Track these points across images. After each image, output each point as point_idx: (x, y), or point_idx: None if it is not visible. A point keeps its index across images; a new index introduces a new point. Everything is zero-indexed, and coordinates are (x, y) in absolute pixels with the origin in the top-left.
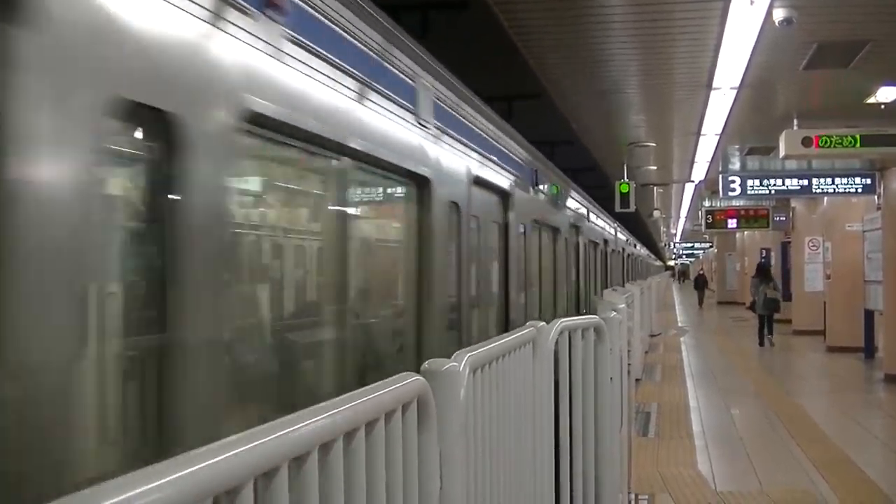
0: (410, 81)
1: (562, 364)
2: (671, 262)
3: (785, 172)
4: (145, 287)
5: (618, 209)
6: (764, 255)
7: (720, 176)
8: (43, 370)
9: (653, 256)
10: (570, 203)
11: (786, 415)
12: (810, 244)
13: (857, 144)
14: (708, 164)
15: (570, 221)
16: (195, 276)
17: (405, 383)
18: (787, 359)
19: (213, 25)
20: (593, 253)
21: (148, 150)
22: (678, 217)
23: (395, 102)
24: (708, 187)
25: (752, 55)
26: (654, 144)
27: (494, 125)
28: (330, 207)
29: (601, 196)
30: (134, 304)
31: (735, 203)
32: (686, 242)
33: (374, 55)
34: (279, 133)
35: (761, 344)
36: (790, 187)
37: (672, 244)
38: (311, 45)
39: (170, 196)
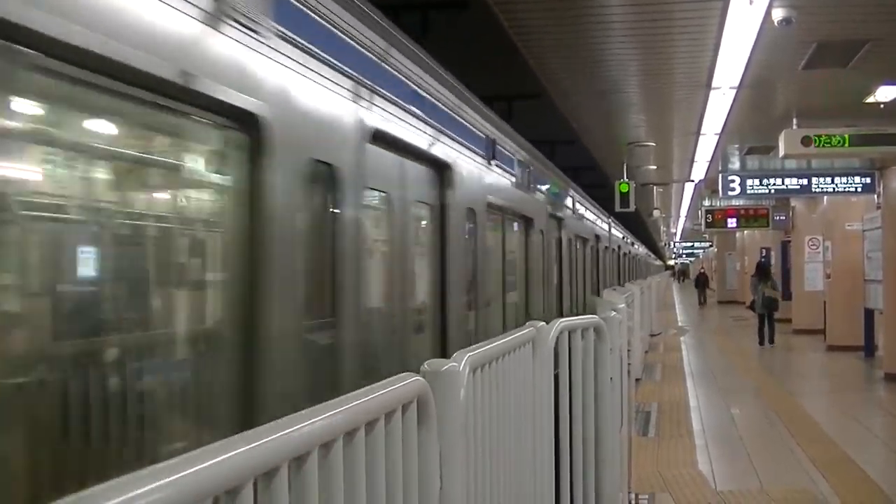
0: None
1: (562, 364)
2: (671, 262)
3: (784, 172)
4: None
5: (618, 209)
6: (764, 254)
7: (720, 175)
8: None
9: (652, 256)
10: (550, 190)
11: (786, 414)
12: (810, 243)
13: (846, 144)
14: (707, 163)
15: (548, 211)
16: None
17: (405, 383)
18: (787, 358)
19: None
20: (581, 250)
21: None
22: (678, 216)
23: None
24: (708, 187)
25: (751, 55)
26: (653, 144)
27: (419, 66)
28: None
29: (601, 196)
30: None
31: (735, 202)
32: (686, 242)
33: None
34: None
35: (761, 343)
36: (790, 187)
37: (672, 244)
38: None
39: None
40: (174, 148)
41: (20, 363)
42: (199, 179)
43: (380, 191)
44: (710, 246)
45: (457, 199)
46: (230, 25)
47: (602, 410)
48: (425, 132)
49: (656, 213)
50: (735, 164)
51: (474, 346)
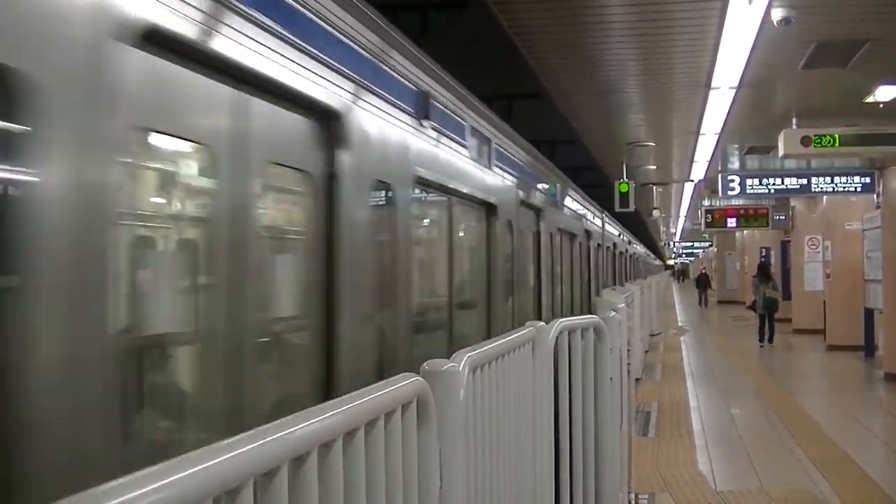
0: None
1: (561, 364)
2: (671, 262)
3: (784, 171)
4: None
5: (617, 209)
6: (764, 254)
7: (719, 175)
8: None
9: (651, 255)
10: (526, 173)
11: (786, 414)
12: (810, 243)
13: (846, 144)
14: (707, 163)
15: (519, 197)
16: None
17: (405, 383)
18: (787, 358)
19: None
20: (568, 247)
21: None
22: (678, 216)
23: None
24: (707, 186)
25: (750, 55)
26: (653, 144)
27: None
28: None
29: (601, 195)
30: None
31: (734, 202)
32: (686, 242)
33: None
34: None
35: (761, 343)
36: (789, 186)
37: (672, 243)
38: None
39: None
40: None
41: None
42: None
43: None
44: (710, 246)
45: (355, 166)
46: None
47: (602, 410)
48: (283, 59)
49: (656, 212)
50: (735, 163)
51: (474, 346)
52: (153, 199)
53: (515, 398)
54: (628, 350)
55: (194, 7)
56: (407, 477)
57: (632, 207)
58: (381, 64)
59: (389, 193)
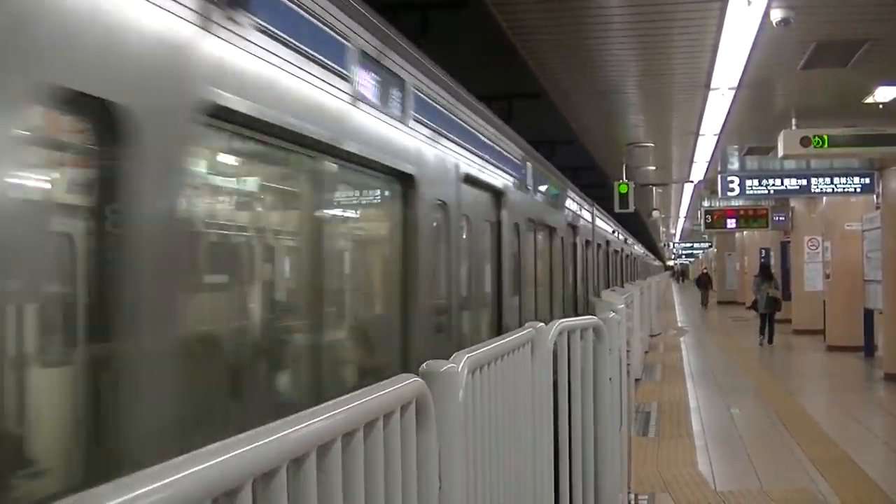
0: None
1: (561, 365)
2: (670, 262)
3: (784, 172)
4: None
5: (617, 209)
6: (763, 254)
7: (719, 176)
8: None
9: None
10: (468, 139)
11: (786, 414)
12: (810, 244)
13: (836, 144)
14: (707, 164)
15: (461, 172)
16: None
17: (404, 384)
18: (787, 358)
19: None
20: (546, 245)
21: None
22: (677, 217)
23: None
24: (707, 187)
25: (750, 55)
26: (652, 144)
27: None
28: None
29: (600, 195)
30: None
31: (734, 203)
32: (685, 242)
33: None
34: None
35: (762, 343)
36: (789, 187)
37: (671, 244)
38: None
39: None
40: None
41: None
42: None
43: None
44: (710, 246)
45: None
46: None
47: (601, 411)
48: None
49: (655, 213)
50: (734, 164)
51: (473, 346)
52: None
53: (515, 399)
54: (628, 350)
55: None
56: (406, 478)
57: (631, 208)
58: None
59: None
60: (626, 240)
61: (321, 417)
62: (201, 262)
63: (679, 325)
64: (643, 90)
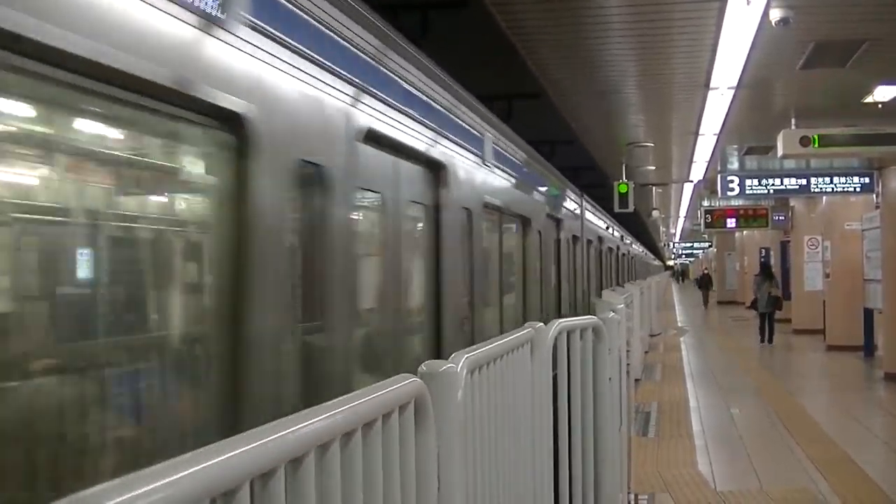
0: None
1: (560, 365)
2: (670, 262)
3: (783, 172)
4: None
5: (617, 209)
6: (763, 254)
7: (719, 175)
8: None
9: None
10: (371, 78)
11: (786, 414)
12: (809, 243)
13: (835, 144)
14: (706, 163)
15: (359, 126)
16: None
17: (402, 384)
18: (787, 358)
19: None
20: (515, 239)
21: None
22: (677, 217)
23: None
24: (707, 187)
25: (749, 55)
26: (652, 144)
27: None
28: None
29: (600, 195)
30: None
31: (734, 202)
32: (685, 242)
33: None
34: None
35: (762, 341)
36: (788, 186)
37: (671, 244)
38: None
39: None
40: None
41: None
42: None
43: None
44: (710, 246)
45: None
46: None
47: (601, 411)
48: None
49: (655, 213)
50: (734, 164)
51: (473, 346)
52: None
53: (514, 399)
54: (627, 350)
55: None
56: (405, 478)
57: (631, 208)
58: None
59: None
60: (622, 237)
61: (320, 417)
62: None
63: (679, 324)
64: (643, 90)
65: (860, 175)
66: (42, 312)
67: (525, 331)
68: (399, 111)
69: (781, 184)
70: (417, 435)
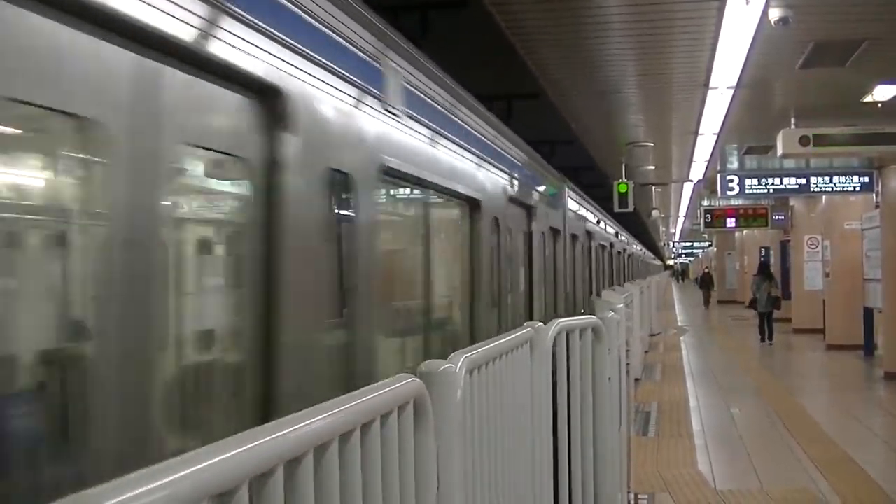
0: None
1: (560, 364)
2: (670, 262)
3: (783, 171)
4: None
5: (617, 209)
6: (763, 253)
7: (718, 175)
8: None
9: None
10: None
11: (786, 413)
12: (809, 243)
13: (835, 143)
14: (706, 163)
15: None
16: None
17: (401, 384)
18: (787, 357)
19: None
20: (450, 227)
21: None
22: (677, 216)
23: None
24: (706, 186)
25: (748, 55)
26: (652, 144)
27: None
28: None
29: (600, 195)
30: None
31: (734, 202)
32: (685, 242)
33: None
34: None
35: (762, 340)
36: (788, 186)
37: (671, 243)
38: None
39: None
40: None
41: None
42: None
43: None
44: (710, 245)
45: None
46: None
47: (600, 411)
48: None
49: (655, 213)
50: (734, 163)
51: (472, 346)
52: None
53: (513, 399)
54: (627, 350)
55: None
56: (404, 479)
57: (630, 207)
58: None
59: None
60: (617, 233)
61: (318, 417)
62: None
63: (679, 324)
64: (642, 90)
65: (860, 174)
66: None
67: (524, 330)
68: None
69: (781, 183)
70: (416, 435)
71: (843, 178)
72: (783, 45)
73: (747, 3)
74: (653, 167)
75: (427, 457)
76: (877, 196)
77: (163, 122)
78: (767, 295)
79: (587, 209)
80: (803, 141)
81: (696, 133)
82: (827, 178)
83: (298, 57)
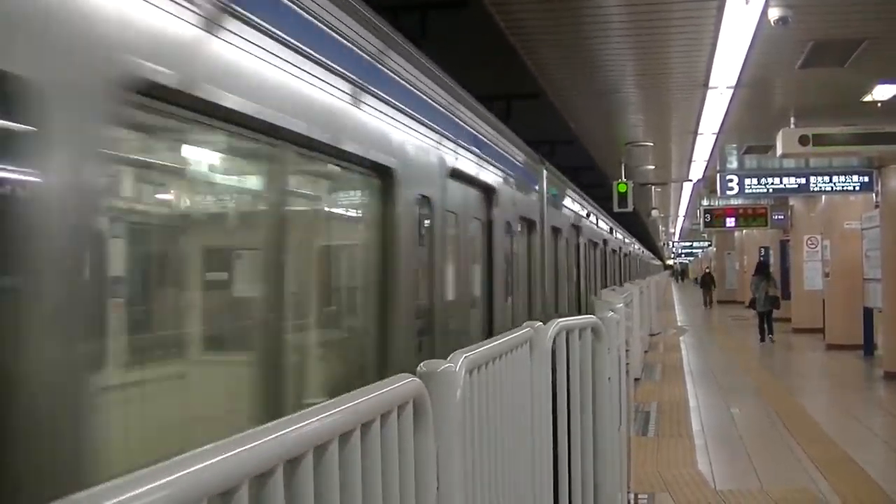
0: None
1: (559, 364)
2: (670, 262)
3: (783, 171)
4: None
5: (616, 209)
6: (763, 253)
7: (718, 175)
8: None
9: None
10: None
11: (785, 413)
12: (809, 242)
13: (835, 143)
14: (706, 163)
15: None
16: None
17: (401, 384)
18: (787, 357)
19: None
20: (372, 215)
21: None
22: (677, 216)
23: None
24: (706, 186)
25: (748, 54)
26: (651, 144)
27: None
28: None
29: (600, 195)
30: None
31: (733, 202)
32: (685, 241)
33: None
34: None
35: (762, 340)
36: (788, 186)
37: (671, 243)
38: None
39: None
40: None
41: None
42: None
43: None
44: (710, 245)
45: None
46: None
47: (600, 410)
48: None
49: (655, 212)
50: (733, 163)
51: (471, 346)
52: None
53: (513, 399)
54: (627, 350)
55: None
56: (403, 479)
57: (630, 207)
58: None
59: None
60: (612, 229)
61: (318, 417)
62: None
63: (679, 324)
64: (642, 89)
65: (859, 174)
66: None
67: (524, 330)
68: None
69: (781, 183)
70: (416, 435)
71: (842, 178)
72: (783, 44)
73: (747, 2)
74: (652, 167)
75: (427, 456)
76: (876, 196)
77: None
78: (765, 294)
79: (574, 199)
80: (803, 140)
81: (696, 133)
82: (826, 178)
83: None
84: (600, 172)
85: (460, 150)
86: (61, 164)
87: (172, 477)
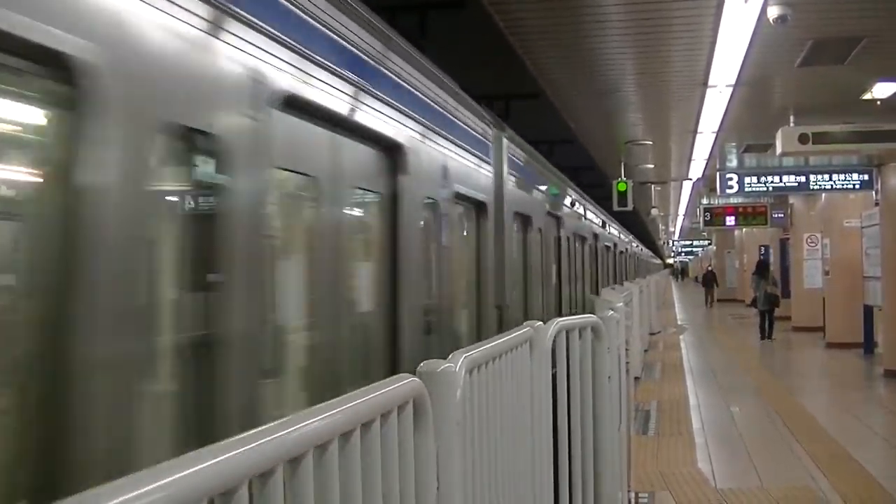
0: None
1: (559, 364)
2: (670, 260)
3: (782, 169)
4: None
5: (616, 207)
6: (763, 252)
7: (718, 173)
8: None
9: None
10: None
11: (786, 412)
12: (809, 241)
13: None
14: (705, 161)
15: None
16: None
17: (401, 384)
18: (787, 355)
19: None
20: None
21: None
22: (676, 215)
23: None
24: (706, 185)
25: (747, 53)
26: (651, 143)
27: None
28: None
29: (600, 195)
30: None
31: (733, 200)
32: (685, 240)
33: None
34: None
35: (763, 338)
36: (788, 184)
37: (671, 242)
38: None
39: None
40: None
41: None
42: None
43: None
44: (710, 244)
45: None
46: None
47: (600, 409)
48: None
49: (654, 211)
50: (733, 162)
51: (471, 346)
52: None
53: (513, 398)
54: (627, 349)
55: None
56: (403, 479)
57: (630, 206)
58: None
59: None
60: (605, 223)
61: (318, 417)
62: None
63: (679, 323)
64: (641, 89)
65: (859, 172)
66: None
67: (524, 330)
68: None
69: (780, 181)
70: (416, 435)
71: (842, 176)
72: (782, 43)
73: (745, 1)
74: (652, 166)
75: (427, 456)
76: (876, 194)
77: None
78: (765, 293)
79: (553, 182)
80: (802, 139)
81: (696, 131)
82: (826, 176)
83: None
84: (600, 172)
85: (308, 66)
86: None
87: (172, 477)
